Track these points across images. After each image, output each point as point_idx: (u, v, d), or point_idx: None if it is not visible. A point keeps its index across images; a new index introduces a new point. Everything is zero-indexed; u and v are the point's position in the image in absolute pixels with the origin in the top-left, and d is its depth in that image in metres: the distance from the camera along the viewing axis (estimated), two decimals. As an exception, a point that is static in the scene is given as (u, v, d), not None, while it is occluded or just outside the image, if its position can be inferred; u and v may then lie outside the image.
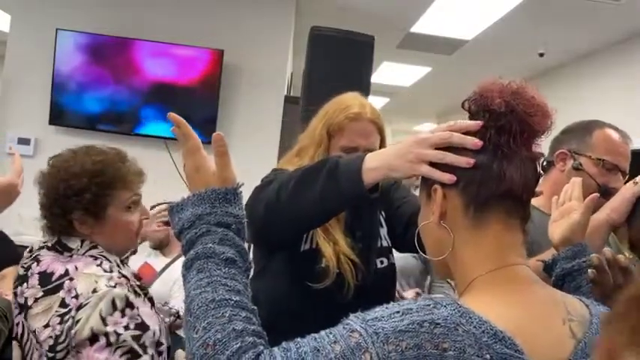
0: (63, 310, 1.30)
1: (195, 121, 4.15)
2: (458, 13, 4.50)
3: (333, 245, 1.44)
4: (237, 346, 0.71)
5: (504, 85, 0.82)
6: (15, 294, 1.38)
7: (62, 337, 1.29)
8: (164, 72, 4.13)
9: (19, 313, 1.36)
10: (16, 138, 4.18)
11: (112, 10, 4.25)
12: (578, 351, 0.74)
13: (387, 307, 0.70)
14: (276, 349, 0.71)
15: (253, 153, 4.24)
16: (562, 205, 1.19)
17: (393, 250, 1.63)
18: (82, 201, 1.40)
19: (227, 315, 0.74)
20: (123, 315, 1.29)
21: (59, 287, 1.33)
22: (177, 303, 3.00)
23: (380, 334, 0.66)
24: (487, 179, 0.78)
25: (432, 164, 0.85)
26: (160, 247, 3.33)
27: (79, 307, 1.29)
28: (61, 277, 1.34)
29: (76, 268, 1.36)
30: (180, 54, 4.13)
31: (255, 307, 0.79)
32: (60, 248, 1.40)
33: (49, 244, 1.42)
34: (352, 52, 2.73)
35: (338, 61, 2.72)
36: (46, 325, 1.30)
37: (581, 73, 5.43)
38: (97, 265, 1.38)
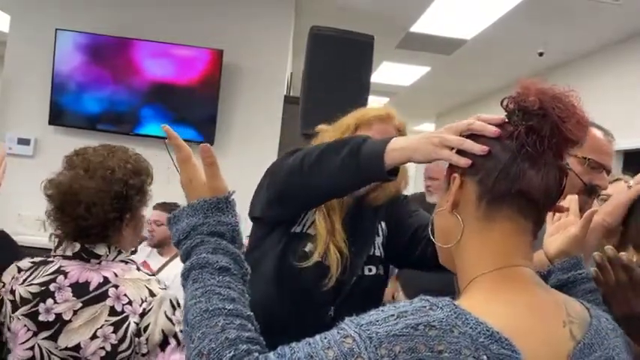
0: (116, 319, 1.27)
1: (195, 121, 4.16)
2: (457, 12, 4.50)
3: (327, 231, 1.47)
4: (231, 354, 0.72)
5: (546, 87, 0.80)
6: (30, 315, 1.29)
7: (124, 345, 1.26)
8: (164, 72, 4.13)
9: (35, 335, 1.28)
10: (15, 138, 4.18)
11: (111, 10, 4.25)
12: (576, 352, 0.73)
13: (382, 310, 0.70)
14: (271, 354, 0.72)
15: (253, 153, 4.25)
16: (558, 220, 1.19)
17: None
18: (142, 199, 1.39)
19: (220, 324, 0.75)
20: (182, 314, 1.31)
21: (103, 296, 1.29)
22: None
23: (373, 339, 0.66)
24: (504, 175, 0.77)
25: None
26: (158, 246, 3.34)
27: (144, 314, 1.28)
28: (101, 285, 1.30)
29: (116, 274, 1.32)
30: (180, 54, 4.13)
31: (251, 313, 0.80)
32: (85, 256, 1.34)
33: (68, 253, 1.35)
34: (352, 52, 2.73)
35: (338, 61, 2.72)
36: (93, 337, 1.26)
37: (581, 73, 5.43)
38: (136, 270, 1.36)
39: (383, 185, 1.54)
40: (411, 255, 1.53)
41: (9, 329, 1.32)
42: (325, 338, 0.69)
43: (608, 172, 1.55)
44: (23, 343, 1.29)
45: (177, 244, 0.88)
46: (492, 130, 0.80)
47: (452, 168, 0.85)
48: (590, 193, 1.47)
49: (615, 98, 4.71)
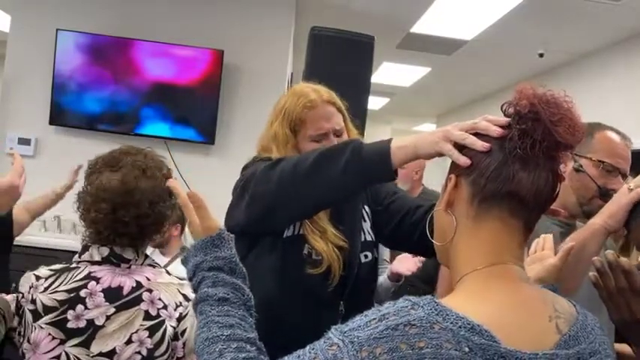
0: (151, 323, 1.27)
1: (196, 121, 4.16)
2: (458, 13, 4.50)
3: (320, 234, 1.45)
4: None
5: (540, 91, 0.81)
6: (57, 322, 1.27)
7: (161, 350, 1.27)
8: (164, 72, 4.13)
9: (62, 343, 1.26)
10: (16, 138, 4.18)
11: (112, 10, 4.25)
12: (561, 342, 0.75)
13: (365, 315, 0.72)
14: None
15: (253, 153, 4.24)
16: (534, 254, 1.22)
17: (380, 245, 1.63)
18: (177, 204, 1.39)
19: (218, 349, 0.83)
20: None
21: (137, 300, 1.29)
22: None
23: (355, 343, 0.68)
24: (496, 176, 0.79)
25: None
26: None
27: (181, 318, 1.29)
28: (134, 289, 1.30)
29: (148, 279, 1.32)
30: (181, 54, 4.14)
31: (252, 335, 0.87)
32: (115, 260, 1.33)
33: (96, 258, 1.34)
34: (352, 52, 2.74)
35: (338, 61, 2.73)
36: (128, 342, 1.26)
37: (581, 73, 5.43)
38: (167, 274, 1.37)
39: None
40: (404, 241, 1.52)
41: (29, 340, 1.28)
42: (313, 349, 0.73)
43: (624, 175, 1.53)
44: (48, 352, 1.27)
45: (190, 282, 0.99)
46: (496, 131, 0.82)
47: (450, 169, 0.87)
48: (604, 196, 1.46)
49: (615, 98, 4.71)
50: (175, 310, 1.30)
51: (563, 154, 0.81)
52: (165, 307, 1.29)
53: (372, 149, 1.12)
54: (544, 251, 1.21)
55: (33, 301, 1.30)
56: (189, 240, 3.66)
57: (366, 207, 1.59)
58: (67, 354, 1.26)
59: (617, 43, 4.80)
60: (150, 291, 1.30)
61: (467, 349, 0.68)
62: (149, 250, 3.38)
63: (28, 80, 4.22)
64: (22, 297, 1.32)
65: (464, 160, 0.83)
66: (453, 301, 0.74)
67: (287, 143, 1.50)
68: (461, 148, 0.86)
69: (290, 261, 1.44)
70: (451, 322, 0.69)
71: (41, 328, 1.28)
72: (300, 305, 1.44)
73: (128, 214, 1.31)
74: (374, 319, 0.71)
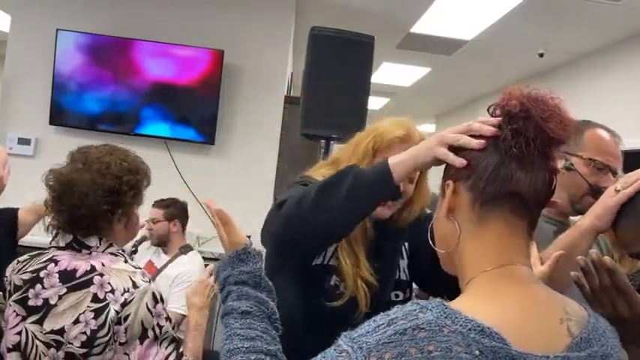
0: (97, 305, 1.32)
1: (196, 122, 4.16)
2: (458, 13, 4.50)
3: (352, 266, 1.40)
4: None
5: (527, 90, 0.82)
6: (20, 300, 1.36)
7: (103, 332, 1.30)
8: (164, 72, 4.13)
9: (23, 320, 1.35)
10: (16, 138, 4.18)
11: (112, 10, 4.25)
12: (573, 345, 0.74)
13: (374, 321, 0.72)
14: None
15: (253, 153, 4.25)
16: None
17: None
18: (135, 196, 1.44)
19: None
20: (162, 308, 1.35)
21: (87, 283, 1.34)
22: (176, 302, 3.01)
23: (363, 349, 0.68)
24: (494, 177, 0.79)
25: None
26: (160, 244, 3.34)
27: (125, 304, 1.32)
28: (87, 273, 1.35)
29: (103, 264, 1.37)
30: (181, 54, 4.14)
31: (273, 347, 0.92)
32: (77, 246, 1.41)
33: (61, 244, 1.42)
34: (352, 52, 2.73)
35: (338, 61, 2.72)
36: (76, 322, 1.31)
37: (581, 73, 5.43)
38: (124, 262, 1.41)
39: (408, 207, 1.48)
40: (436, 283, 1.48)
41: (4, 318, 1.40)
42: (324, 357, 0.73)
43: (615, 173, 1.53)
44: (13, 327, 1.36)
45: (220, 295, 1.05)
46: (490, 130, 0.82)
47: (445, 175, 0.87)
48: (595, 194, 1.46)
49: (615, 98, 4.71)
50: (122, 295, 1.33)
51: (556, 149, 0.82)
52: (112, 291, 1.33)
53: (372, 171, 1.13)
54: (531, 259, 1.21)
55: (10, 282, 1.41)
56: (191, 238, 3.66)
57: (406, 244, 1.55)
58: (26, 330, 1.34)
59: (617, 43, 4.80)
60: (101, 275, 1.35)
61: (477, 352, 0.67)
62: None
63: (28, 80, 4.22)
64: (6, 279, 1.43)
65: (459, 161, 0.83)
66: (462, 304, 0.73)
67: (364, 158, 1.42)
68: (456, 152, 0.87)
69: (314, 291, 1.40)
70: (460, 325, 0.68)
71: (10, 305, 1.38)
72: (323, 336, 1.41)
73: (64, 204, 1.39)
74: (382, 324, 0.70)
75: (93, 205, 1.37)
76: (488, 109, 0.86)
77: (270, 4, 4.35)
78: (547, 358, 0.71)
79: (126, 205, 1.43)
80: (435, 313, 0.69)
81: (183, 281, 3.13)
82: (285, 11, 4.43)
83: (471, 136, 0.85)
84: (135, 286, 1.35)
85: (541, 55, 5.07)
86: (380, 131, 1.46)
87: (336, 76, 2.72)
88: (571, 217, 1.63)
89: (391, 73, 6.77)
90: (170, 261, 3.29)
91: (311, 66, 2.79)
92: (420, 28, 4.92)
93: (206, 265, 3.45)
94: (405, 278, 1.53)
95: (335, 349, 0.72)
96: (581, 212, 1.55)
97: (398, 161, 1.08)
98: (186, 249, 3.31)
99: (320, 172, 1.48)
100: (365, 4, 4.49)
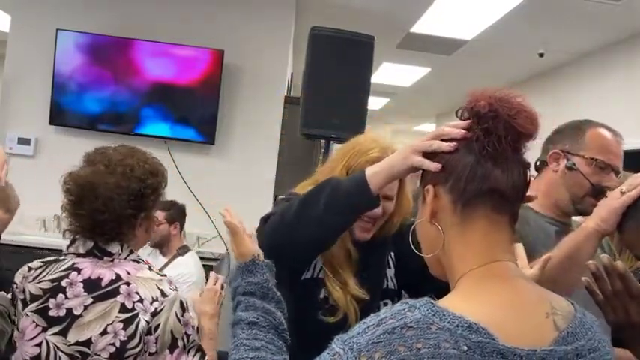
0: (126, 315, 1.28)
1: (196, 121, 4.16)
2: (458, 13, 4.50)
3: (341, 290, 1.42)
4: None
5: (492, 91, 0.85)
6: (40, 310, 1.31)
7: (134, 342, 1.27)
8: (164, 72, 4.13)
9: (44, 331, 1.30)
10: (16, 138, 4.18)
11: (112, 10, 4.25)
12: (559, 339, 0.75)
13: (364, 322, 0.73)
14: None
15: (253, 153, 4.25)
16: None
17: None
18: (156, 199, 1.42)
19: None
20: (190, 316, 1.34)
21: (114, 292, 1.30)
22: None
23: (354, 349, 0.70)
24: (473, 177, 0.81)
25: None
26: (159, 246, 3.34)
27: (155, 313, 1.30)
28: (113, 282, 1.31)
29: (128, 272, 1.33)
30: (181, 54, 4.14)
31: (277, 357, 0.95)
32: (99, 253, 1.36)
33: (81, 251, 1.37)
34: (352, 52, 2.74)
35: (338, 61, 2.73)
36: (104, 332, 1.27)
37: (581, 73, 5.43)
38: (148, 269, 1.38)
39: (389, 221, 1.49)
40: (424, 285, 1.48)
41: (18, 328, 1.34)
42: None
43: (617, 172, 1.53)
44: (31, 339, 1.30)
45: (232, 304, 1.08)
46: (459, 133, 0.85)
47: (424, 181, 0.89)
48: (597, 194, 1.46)
49: (615, 98, 4.71)
50: (151, 304, 1.30)
51: (525, 144, 0.84)
52: (141, 300, 1.30)
53: (349, 183, 1.17)
54: (517, 261, 1.21)
55: (23, 291, 1.35)
56: (191, 237, 3.66)
57: (392, 253, 1.57)
58: (47, 342, 1.29)
59: (617, 43, 4.80)
60: (128, 284, 1.31)
61: (465, 348, 0.68)
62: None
63: (28, 80, 4.22)
64: (16, 287, 1.37)
65: (435, 166, 0.86)
66: (450, 302, 0.74)
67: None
68: (431, 158, 0.89)
69: (305, 304, 1.41)
70: (448, 322, 0.70)
71: (27, 315, 1.32)
72: (310, 350, 1.41)
73: (84, 209, 1.34)
74: (372, 324, 0.72)
75: (117, 209, 1.33)
76: (456, 113, 0.88)
77: (270, 4, 4.35)
78: (534, 352, 0.72)
79: (148, 208, 1.40)
80: (423, 311, 0.71)
81: (182, 282, 3.13)
82: (285, 11, 4.43)
83: (442, 140, 0.88)
84: (163, 294, 1.32)
85: (541, 55, 5.08)
86: (350, 157, 1.46)
87: (336, 76, 2.72)
88: (573, 218, 1.62)
89: (391, 73, 6.77)
90: (168, 262, 3.29)
91: (311, 66, 2.79)
92: (420, 28, 4.92)
93: (204, 266, 3.45)
94: (393, 287, 1.55)
95: (328, 352, 0.73)
96: (582, 212, 1.54)
97: (375, 171, 1.13)
98: (183, 250, 3.31)
99: (306, 190, 1.50)
100: (365, 4, 4.49)
